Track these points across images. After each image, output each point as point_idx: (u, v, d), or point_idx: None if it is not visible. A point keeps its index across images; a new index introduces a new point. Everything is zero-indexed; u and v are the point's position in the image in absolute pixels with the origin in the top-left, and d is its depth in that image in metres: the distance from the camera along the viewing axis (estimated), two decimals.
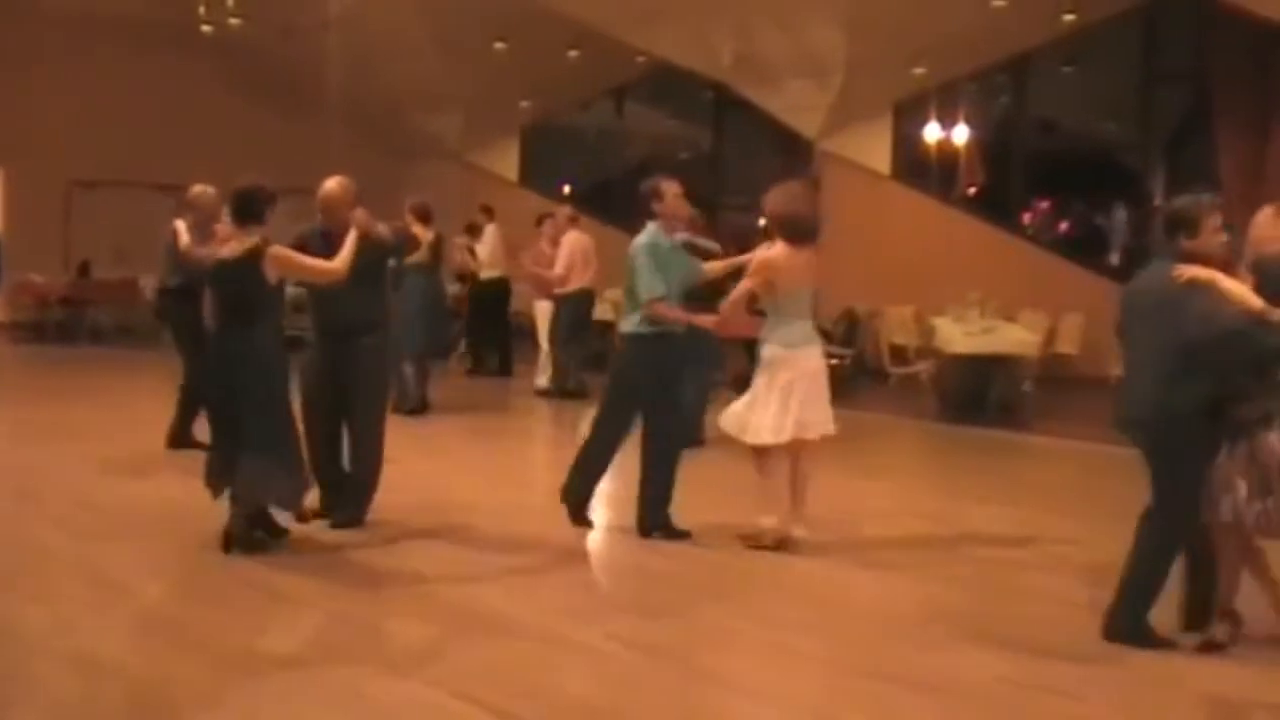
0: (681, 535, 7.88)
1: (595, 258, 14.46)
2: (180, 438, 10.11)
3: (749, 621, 6.38)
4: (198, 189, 9.99)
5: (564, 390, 14.43)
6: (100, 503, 8.50)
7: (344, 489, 7.90)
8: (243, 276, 7.14)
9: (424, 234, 12.54)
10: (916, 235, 18.21)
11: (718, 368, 11.64)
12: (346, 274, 7.44)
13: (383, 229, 7.89)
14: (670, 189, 7.94)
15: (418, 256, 12.36)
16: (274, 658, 5.62)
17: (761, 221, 7.85)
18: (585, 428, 8.56)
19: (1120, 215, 19.79)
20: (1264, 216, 9.02)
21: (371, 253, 7.71)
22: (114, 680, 5.29)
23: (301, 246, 7.61)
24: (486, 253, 16.61)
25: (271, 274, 7.14)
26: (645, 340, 7.84)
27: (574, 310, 14.44)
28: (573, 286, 14.30)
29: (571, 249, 14.32)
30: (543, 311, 14.69)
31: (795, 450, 7.73)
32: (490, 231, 16.71)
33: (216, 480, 7.31)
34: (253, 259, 7.11)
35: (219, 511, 7.23)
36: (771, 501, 7.75)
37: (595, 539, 8.07)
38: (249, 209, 7.25)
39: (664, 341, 7.84)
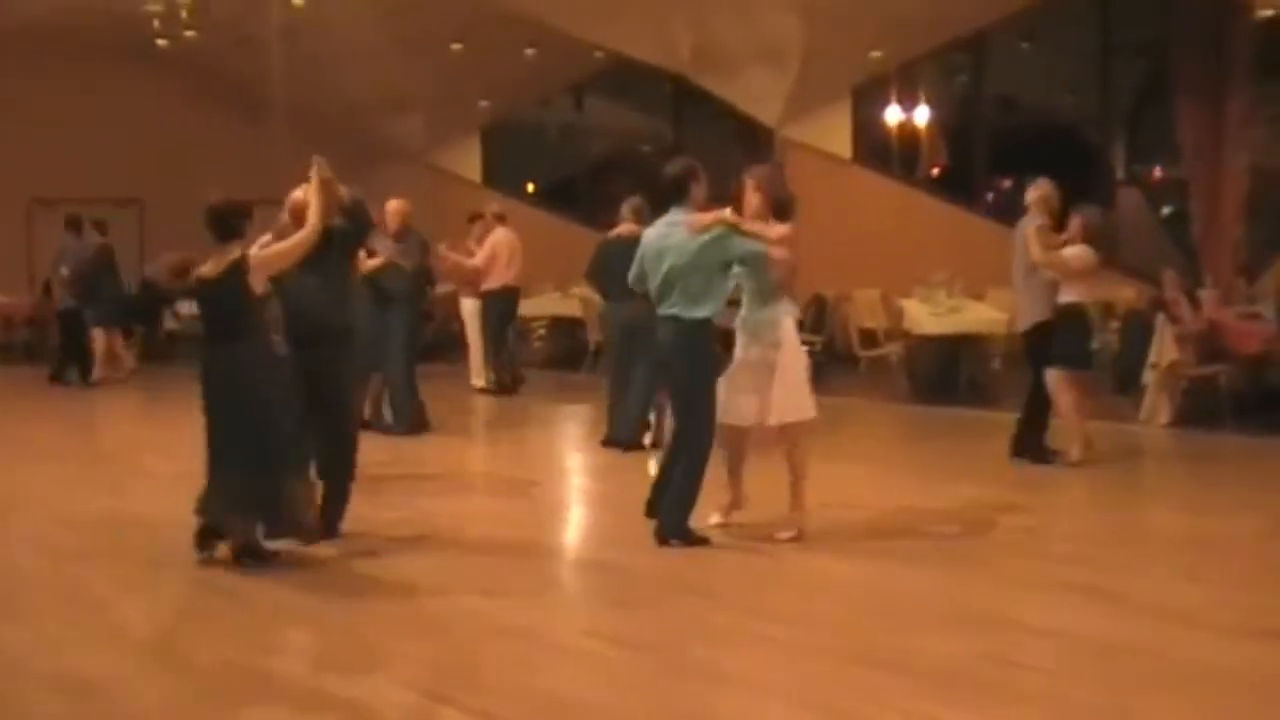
0: (700, 541, 7.52)
1: (520, 256, 14.62)
2: None
3: (729, 612, 6.38)
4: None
5: (501, 386, 14.61)
6: (75, 521, 8.45)
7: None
8: (226, 293, 7.02)
9: None
10: (881, 218, 18.21)
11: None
12: (321, 227, 7.20)
13: (342, 190, 7.54)
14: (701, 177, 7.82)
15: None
16: (255, 671, 5.59)
17: (753, 194, 7.81)
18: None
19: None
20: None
21: (329, 235, 7.38)
22: (98, 699, 5.26)
23: None
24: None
25: (259, 283, 7.03)
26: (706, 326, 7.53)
27: (499, 307, 14.57)
28: (496, 283, 14.45)
29: (495, 245, 14.50)
30: (470, 310, 14.82)
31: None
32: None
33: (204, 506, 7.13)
34: (236, 274, 6.99)
35: (193, 526, 7.13)
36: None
37: (569, 536, 8.05)
38: (228, 225, 7.09)
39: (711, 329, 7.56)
